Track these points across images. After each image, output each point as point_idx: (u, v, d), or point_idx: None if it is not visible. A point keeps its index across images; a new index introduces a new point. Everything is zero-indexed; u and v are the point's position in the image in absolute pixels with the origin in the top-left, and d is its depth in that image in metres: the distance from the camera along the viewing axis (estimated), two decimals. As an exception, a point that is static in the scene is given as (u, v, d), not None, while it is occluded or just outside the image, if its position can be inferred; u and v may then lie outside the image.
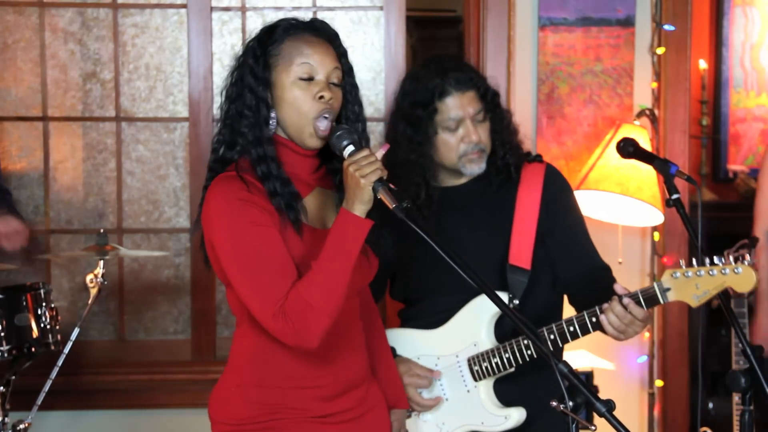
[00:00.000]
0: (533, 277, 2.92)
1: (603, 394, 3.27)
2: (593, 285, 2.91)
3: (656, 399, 4.35)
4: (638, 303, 2.68)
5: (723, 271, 2.61)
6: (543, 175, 2.98)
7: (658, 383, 4.33)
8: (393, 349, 2.96)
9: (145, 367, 4.48)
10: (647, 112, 4.26)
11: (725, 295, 2.74)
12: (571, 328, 2.78)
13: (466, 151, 2.90)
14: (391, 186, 2.30)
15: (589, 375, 4.16)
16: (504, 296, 2.87)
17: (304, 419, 2.47)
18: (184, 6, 4.50)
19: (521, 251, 2.91)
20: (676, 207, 2.77)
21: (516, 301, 2.89)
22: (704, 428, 3.56)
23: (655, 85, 4.32)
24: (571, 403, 2.12)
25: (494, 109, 2.96)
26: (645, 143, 4.06)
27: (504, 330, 2.92)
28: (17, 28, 4.54)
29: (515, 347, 2.84)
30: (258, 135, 2.40)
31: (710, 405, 4.96)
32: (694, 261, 2.65)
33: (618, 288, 2.72)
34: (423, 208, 2.91)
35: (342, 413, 2.50)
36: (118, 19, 4.54)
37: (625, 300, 2.68)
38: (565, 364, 2.12)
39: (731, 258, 2.66)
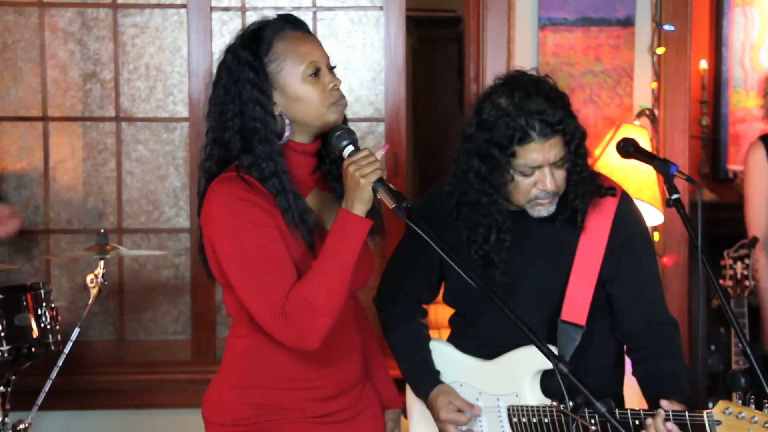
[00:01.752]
0: (588, 335, 2.66)
1: (603, 394, 3.26)
2: (654, 344, 2.70)
3: (656, 399, 4.34)
4: (683, 427, 2.47)
5: None
6: (613, 215, 2.69)
7: (658, 383, 4.32)
8: (437, 373, 2.83)
9: (144, 367, 4.48)
10: (647, 112, 4.26)
11: (725, 294, 2.74)
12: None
13: (538, 196, 2.60)
14: (391, 186, 2.30)
15: (589, 375, 4.15)
16: None
17: (300, 420, 2.46)
18: (184, 6, 4.50)
19: (576, 305, 2.66)
20: (676, 207, 2.75)
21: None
22: (704, 428, 3.55)
23: (655, 85, 4.32)
24: (571, 403, 2.12)
25: (577, 156, 2.63)
26: (645, 143, 4.06)
27: (554, 388, 2.61)
28: (17, 28, 4.54)
29: (555, 417, 2.63)
30: (269, 150, 2.38)
31: (710, 405, 4.95)
32: (752, 403, 2.47)
33: (665, 404, 2.49)
34: (491, 254, 2.64)
35: (337, 413, 2.50)
36: (118, 19, 4.54)
37: (669, 425, 2.46)
38: (566, 364, 2.12)
39: None
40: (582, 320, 2.65)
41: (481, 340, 2.78)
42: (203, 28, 4.46)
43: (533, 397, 2.70)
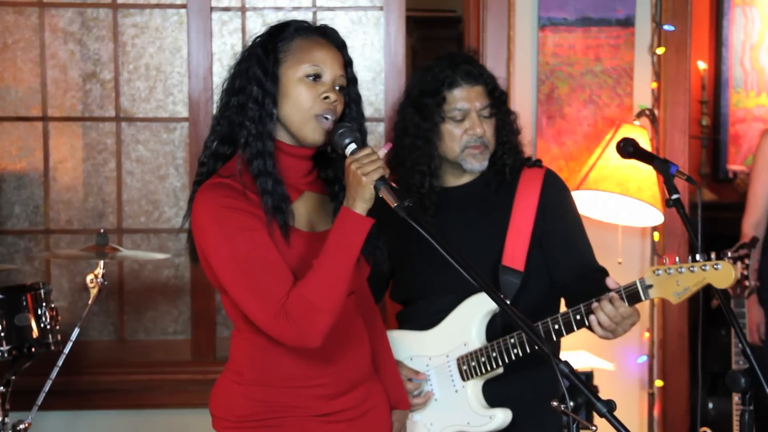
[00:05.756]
0: (526, 279, 2.92)
1: (603, 394, 3.27)
2: (589, 286, 2.90)
3: (656, 399, 4.35)
4: (621, 299, 2.69)
5: (703, 268, 2.60)
6: (542, 179, 3.00)
7: (658, 383, 4.33)
8: None
9: (145, 367, 4.48)
10: (647, 112, 4.27)
11: (725, 295, 2.74)
12: (556, 326, 2.78)
13: (469, 143, 2.93)
14: (393, 184, 2.29)
15: (588, 375, 4.16)
16: None
17: (305, 417, 2.47)
18: (184, 6, 4.50)
19: (515, 253, 2.93)
20: (676, 207, 2.77)
21: (507, 302, 2.88)
22: (704, 428, 3.56)
23: (654, 85, 4.32)
24: (571, 403, 2.12)
25: (500, 107, 2.99)
26: (645, 143, 4.06)
27: (495, 330, 2.92)
28: (17, 28, 4.54)
29: (502, 346, 2.84)
30: (261, 130, 2.40)
31: (710, 405, 4.96)
32: (677, 258, 2.64)
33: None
34: (425, 198, 2.94)
35: (343, 412, 2.50)
36: (118, 19, 4.54)
37: (611, 295, 2.68)
38: (566, 363, 2.12)
39: (718, 254, 2.64)
40: (521, 267, 2.93)
41: (432, 307, 2.98)
42: (203, 28, 4.46)
43: (480, 341, 2.92)
